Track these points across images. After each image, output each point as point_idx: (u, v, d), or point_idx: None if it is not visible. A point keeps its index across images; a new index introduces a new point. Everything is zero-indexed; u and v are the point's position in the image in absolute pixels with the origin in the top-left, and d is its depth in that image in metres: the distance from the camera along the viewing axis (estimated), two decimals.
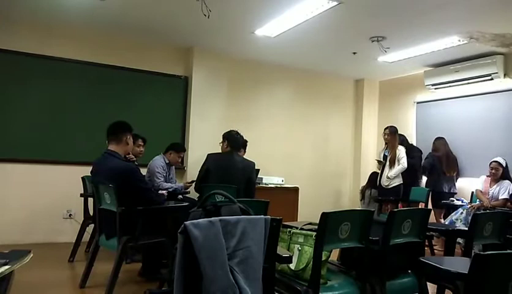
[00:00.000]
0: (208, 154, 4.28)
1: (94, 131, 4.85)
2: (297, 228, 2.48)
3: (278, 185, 5.78)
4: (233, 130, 4.39)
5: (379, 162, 5.93)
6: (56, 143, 5.13)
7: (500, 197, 4.89)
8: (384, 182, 5.68)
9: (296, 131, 6.93)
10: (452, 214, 5.13)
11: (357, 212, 2.43)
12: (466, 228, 3.36)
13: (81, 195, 4.47)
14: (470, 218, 3.82)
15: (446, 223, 5.05)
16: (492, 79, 5.48)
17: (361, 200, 6.56)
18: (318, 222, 2.20)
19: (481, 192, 5.12)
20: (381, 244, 2.46)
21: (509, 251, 1.75)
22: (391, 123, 6.05)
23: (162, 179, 4.83)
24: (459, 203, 5.35)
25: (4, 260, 1.58)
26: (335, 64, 6.53)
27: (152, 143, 5.02)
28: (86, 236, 4.40)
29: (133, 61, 5.57)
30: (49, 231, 5.04)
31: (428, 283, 2.65)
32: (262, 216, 1.74)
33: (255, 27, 4.91)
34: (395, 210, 2.62)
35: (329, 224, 2.17)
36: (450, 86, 6.00)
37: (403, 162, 5.57)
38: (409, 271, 2.69)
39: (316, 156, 7.14)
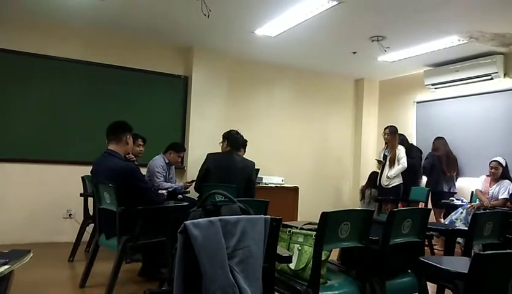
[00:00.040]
0: (208, 154, 4.28)
1: (94, 131, 4.85)
2: (297, 227, 2.48)
3: (278, 185, 5.79)
4: (232, 130, 4.39)
5: (379, 161, 5.93)
6: (56, 142, 5.13)
7: (500, 197, 4.89)
8: (384, 181, 5.68)
9: (296, 131, 6.93)
10: (452, 214, 5.12)
11: (357, 212, 2.43)
12: (466, 228, 3.36)
13: (81, 195, 4.47)
14: (469, 218, 3.82)
15: (446, 222, 5.05)
16: (492, 79, 5.48)
17: (360, 200, 6.56)
18: (318, 221, 2.20)
19: (481, 191, 5.12)
20: (381, 243, 2.46)
21: (509, 251, 1.75)
22: (391, 123, 6.05)
23: (162, 178, 4.83)
24: (459, 202, 5.35)
25: (4, 260, 1.59)
26: (335, 64, 6.53)
27: (151, 142, 5.02)
28: (86, 236, 4.40)
29: (132, 61, 5.57)
30: (49, 231, 5.04)
31: (428, 283, 2.65)
32: (262, 216, 1.74)
33: (255, 26, 4.91)
34: (395, 210, 2.61)
35: (329, 224, 2.17)
36: (450, 86, 6.00)
37: (403, 162, 5.57)
38: (409, 271, 2.69)
39: (316, 156, 7.14)
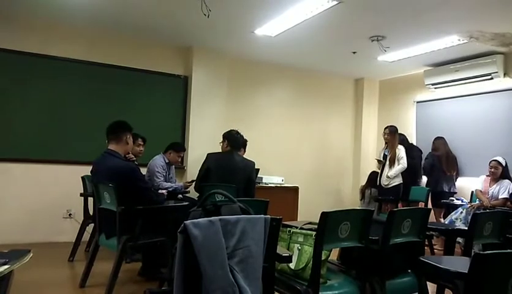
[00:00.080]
0: (208, 154, 4.28)
1: (94, 130, 4.85)
2: (297, 227, 2.48)
3: (278, 185, 5.79)
4: (233, 130, 4.39)
5: (379, 161, 5.93)
6: (56, 142, 5.13)
7: (500, 196, 4.89)
8: (384, 181, 5.68)
9: (295, 131, 6.93)
10: (452, 214, 5.13)
11: (357, 212, 2.43)
12: (466, 228, 3.35)
13: (81, 195, 4.47)
14: (469, 217, 3.82)
15: (446, 222, 5.05)
16: (491, 78, 5.48)
17: (360, 200, 6.56)
18: (317, 221, 2.20)
19: (481, 191, 5.12)
20: (381, 243, 2.46)
21: (508, 250, 1.75)
22: (391, 122, 6.06)
23: (162, 178, 4.83)
24: (459, 202, 5.35)
25: (4, 260, 1.59)
26: (335, 63, 6.53)
27: (151, 142, 5.02)
28: (86, 236, 4.40)
29: (132, 61, 5.57)
30: (49, 230, 5.04)
31: (428, 283, 2.65)
32: (262, 216, 1.74)
33: (255, 26, 4.91)
34: (395, 209, 2.61)
35: (329, 223, 2.17)
36: (450, 86, 6.00)
37: (403, 162, 5.57)
38: (409, 271, 2.69)
39: (316, 155, 7.14)
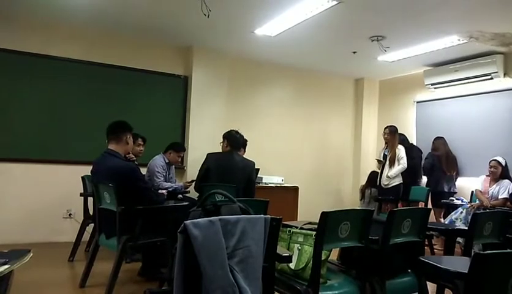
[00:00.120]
0: (208, 154, 4.28)
1: (94, 130, 4.84)
2: (297, 227, 2.48)
3: (278, 185, 5.79)
4: (232, 130, 4.39)
5: (379, 161, 5.93)
6: (55, 142, 5.13)
7: (500, 196, 4.89)
8: (384, 181, 5.68)
9: (295, 131, 6.93)
10: (452, 214, 5.13)
11: (357, 212, 2.43)
12: (466, 228, 3.35)
13: (81, 195, 4.47)
14: (469, 217, 3.83)
15: (446, 222, 5.05)
16: (491, 78, 5.48)
17: (360, 199, 6.56)
18: (317, 221, 2.20)
19: (481, 191, 5.12)
20: (381, 243, 2.46)
21: (509, 250, 1.75)
22: (391, 122, 6.06)
23: (162, 178, 4.83)
24: (459, 202, 5.35)
25: (4, 260, 1.59)
26: (335, 63, 6.53)
27: (152, 142, 5.02)
28: (86, 236, 4.40)
29: (132, 60, 5.57)
30: (49, 230, 5.04)
31: (428, 283, 2.65)
32: (262, 215, 1.74)
33: (255, 26, 4.91)
34: (395, 209, 2.61)
35: (329, 223, 2.17)
36: (450, 86, 6.00)
37: (403, 162, 5.57)
38: (409, 271, 2.69)
39: (316, 155, 7.14)
